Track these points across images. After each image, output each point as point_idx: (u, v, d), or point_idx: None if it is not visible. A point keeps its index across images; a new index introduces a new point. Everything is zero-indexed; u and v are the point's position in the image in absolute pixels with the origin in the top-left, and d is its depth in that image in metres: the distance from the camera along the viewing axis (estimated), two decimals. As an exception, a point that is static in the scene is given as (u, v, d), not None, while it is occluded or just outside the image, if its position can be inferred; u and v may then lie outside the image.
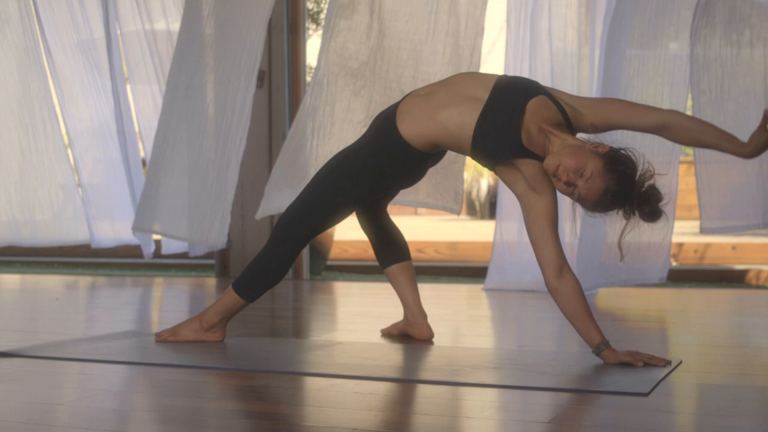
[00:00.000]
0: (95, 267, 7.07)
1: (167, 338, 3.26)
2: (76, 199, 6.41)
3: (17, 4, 6.36)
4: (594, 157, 2.85)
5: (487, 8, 5.17)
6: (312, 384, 2.65)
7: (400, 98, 3.62)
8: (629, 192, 2.85)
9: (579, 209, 2.97)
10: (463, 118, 2.98)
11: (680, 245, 6.69)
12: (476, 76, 3.12)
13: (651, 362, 2.83)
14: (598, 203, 2.88)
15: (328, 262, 6.93)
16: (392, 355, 3.16)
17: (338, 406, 2.37)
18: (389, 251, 3.45)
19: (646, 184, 2.87)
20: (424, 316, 3.45)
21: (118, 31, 6.19)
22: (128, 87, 6.24)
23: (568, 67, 5.30)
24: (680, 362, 2.92)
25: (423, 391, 2.57)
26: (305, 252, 6.23)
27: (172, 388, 2.62)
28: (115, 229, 6.37)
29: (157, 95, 6.16)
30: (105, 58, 6.19)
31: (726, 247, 6.65)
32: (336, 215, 3.17)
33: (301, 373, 2.78)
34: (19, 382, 2.66)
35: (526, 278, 5.15)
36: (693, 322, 4.18)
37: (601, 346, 2.86)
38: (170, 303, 5.11)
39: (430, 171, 4.98)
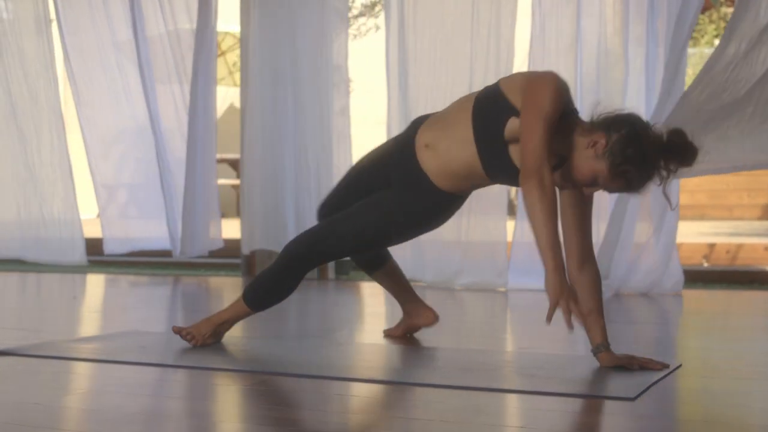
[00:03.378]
0: (126, 266, 7.09)
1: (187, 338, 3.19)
2: (118, 199, 6.52)
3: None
4: (597, 162, 2.68)
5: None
6: (297, 385, 2.62)
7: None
8: (651, 166, 2.67)
9: None
10: (467, 160, 2.91)
11: (712, 246, 6.56)
12: (453, 111, 3.00)
13: (647, 366, 2.75)
14: (631, 190, 2.75)
15: (356, 262, 6.88)
16: (386, 356, 3.12)
17: (315, 408, 2.34)
18: (369, 257, 3.38)
19: (662, 140, 2.66)
20: (421, 302, 3.39)
21: (146, 33, 6.24)
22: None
23: (603, 66, 5.23)
24: (679, 366, 2.84)
25: (404, 394, 2.52)
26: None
27: (154, 388, 2.61)
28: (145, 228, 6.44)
29: (178, 95, 6.21)
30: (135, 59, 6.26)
31: (759, 247, 6.51)
32: (357, 251, 3.19)
33: (283, 373, 2.74)
34: (5, 381, 2.66)
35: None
36: (709, 325, 4.09)
37: (600, 347, 2.80)
38: (188, 302, 5.11)
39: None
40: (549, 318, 2.61)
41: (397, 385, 2.61)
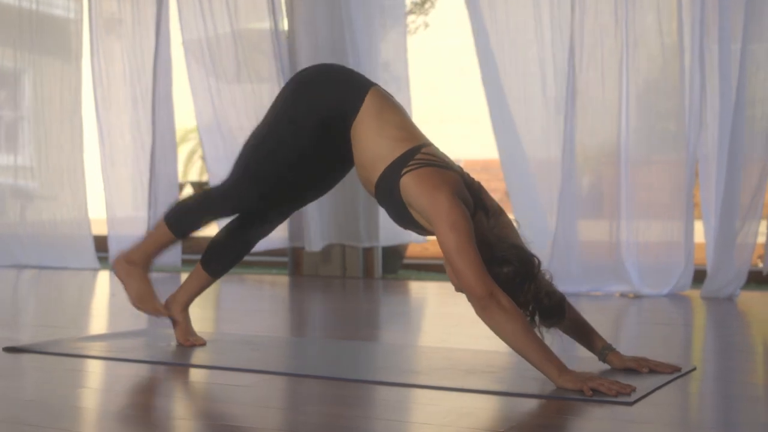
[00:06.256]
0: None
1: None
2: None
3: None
4: None
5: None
6: (288, 385, 2.60)
7: None
8: None
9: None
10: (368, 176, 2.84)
11: None
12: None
13: (657, 369, 2.67)
14: None
15: (406, 260, 6.83)
16: (390, 357, 3.09)
17: (294, 409, 2.32)
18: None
19: (538, 294, 2.54)
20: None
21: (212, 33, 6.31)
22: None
23: (657, 63, 5.12)
24: (693, 369, 2.76)
25: (396, 395, 2.48)
26: (377, 249, 6.17)
27: (166, 387, 2.61)
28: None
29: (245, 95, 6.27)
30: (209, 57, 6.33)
31: (819, 247, 6.28)
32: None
33: (274, 372, 2.73)
34: (11, 377, 2.68)
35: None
36: (747, 328, 3.97)
37: (605, 350, 2.73)
38: (231, 300, 5.12)
39: None
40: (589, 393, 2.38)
41: (390, 386, 2.57)
